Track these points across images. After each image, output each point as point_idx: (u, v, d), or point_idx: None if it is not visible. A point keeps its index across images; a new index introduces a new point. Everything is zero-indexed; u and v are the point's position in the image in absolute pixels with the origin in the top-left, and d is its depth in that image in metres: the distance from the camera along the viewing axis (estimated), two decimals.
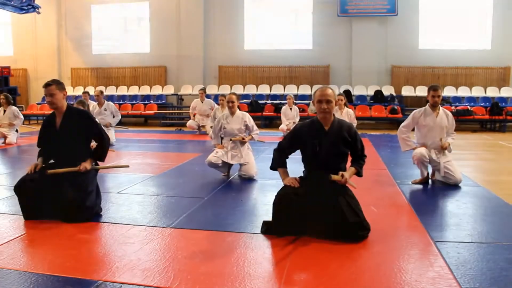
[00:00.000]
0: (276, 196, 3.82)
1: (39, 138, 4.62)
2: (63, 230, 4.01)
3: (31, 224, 4.18)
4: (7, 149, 9.71)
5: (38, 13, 17.08)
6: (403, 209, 4.73)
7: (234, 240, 3.65)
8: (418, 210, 4.58)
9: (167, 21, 17.87)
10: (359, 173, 4.01)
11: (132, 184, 5.91)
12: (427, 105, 5.93)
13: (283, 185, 3.91)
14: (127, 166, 5.33)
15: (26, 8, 16.44)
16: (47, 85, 4.37)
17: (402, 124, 6.15)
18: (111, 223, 4.18)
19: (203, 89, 12.88)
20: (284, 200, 3.75)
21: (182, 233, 3.86)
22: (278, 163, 4.09)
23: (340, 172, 3.77)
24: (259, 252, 3.39)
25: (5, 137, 10.41)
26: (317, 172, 3.89)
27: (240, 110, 6.59)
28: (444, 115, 5.89)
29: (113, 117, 10.57)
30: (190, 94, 17.04)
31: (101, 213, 4.47)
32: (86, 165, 4.40)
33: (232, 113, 6.38)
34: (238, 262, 3.19)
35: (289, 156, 4.13)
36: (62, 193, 4.21)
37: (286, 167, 4.08)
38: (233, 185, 5.95)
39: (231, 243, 3.60)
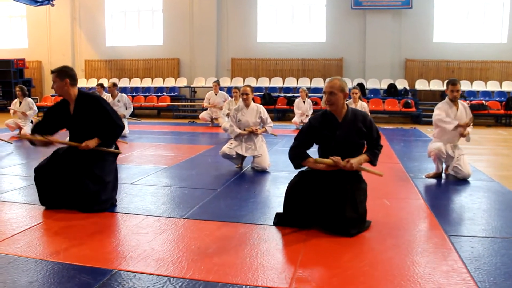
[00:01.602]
0: (288, 185, 3.83)
1: (45, 117, 4.56)
2: (79, 219, 4.06)
3: (47, 213, 4.24)
4: (23, 140, 9.80)
5: (52, 5, 17.25)
6: (416, 203, 4.71)
7: (247, 231, 3.67)
8: (432, 204, 4.56)
9: (180, 13, 17.88)
10: (372, 162, 3.91)
11: (145, 175, 5.95)
12: (446, 99, 5.84)
13: (296, 174, 3.90)
14: (120, 153, 5.15)
15: (40, 0, 16.58)
16: (51, 73, 4.39)
17: (436, 114, 5.82)
18: (125, 213, 4.22)
19: (217, 82, 12.91)
20: (294, 190, 3.74)
21: (195, 224, 3.89)
22: (302, 158, 3.92)
23: (347, 159, 3.70)
24: (272, 244, 3.40)
25: (20, 128, 10.54)
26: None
27: (254, 102, 6.58)
28: (463, 109, 5.80)
29: (126, 108, 10.61)
30: (203, 87, 17.07)
31: (116, 203, 4.51)
32: (89, 143, 4.31)
33: (247, 105, 6.39)
34: (251, 253, 3.21)
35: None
36: (80, 183, 4.24)
37: (310, 156, 3.95)
38: (246, 177, 5.97)
39: (244, 234, 3.61)
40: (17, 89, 10.58)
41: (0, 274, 2.91)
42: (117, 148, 4.60)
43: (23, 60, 18.64)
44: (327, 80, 3.86)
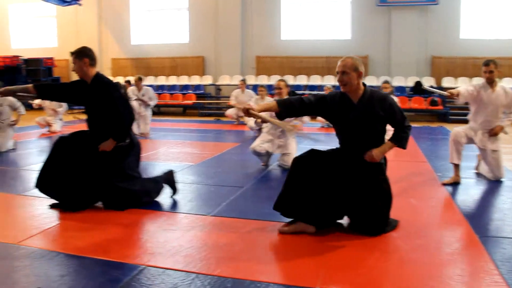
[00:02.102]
0: (292, 162, 3.69)
1: (59, 84, 4.61)
2: (108, 215, 4.13)
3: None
4: (52, 137, 9.99)
5: (80, 5, 17.56)
6: (444, 202, 4.66)
7: (274, 229, 3.66)
8: (461, 204, 4.50)
9: (205, 12, 17.96)
10: (400, 147, 3.68)
11: None
12: (483, 80, 5.47)
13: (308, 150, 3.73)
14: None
15: (69, 0, 16.88)
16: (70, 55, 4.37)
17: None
18: (153, 210, 4.27)
19: (244, 80, 12.93)
20: (301, 168, 3.59)
21: (222, 222, 3.91)
22: (287, 105, 3.64)
23: (369, 151, 3.57)
24: (298, 242, 3.40)
25: (50, 125, 10.75)
26: (349, 149, 3.71)
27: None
28: (503, 92, 5.38)
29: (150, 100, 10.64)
30: (228, 84, 17.12)
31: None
32: (106, 147, 4.28)
33: None
34: (279, 251, 3.23)
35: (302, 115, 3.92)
36: (108, 183, 4.28)
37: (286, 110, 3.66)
38: (272, 174, 5.98)
39: (271, 232, 3.62)
40: None
41: (34, 267, 2.99)
42: (132, 140, 4.48)
43: (51, 59, 18.99)
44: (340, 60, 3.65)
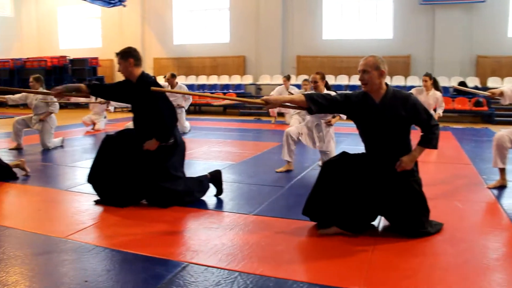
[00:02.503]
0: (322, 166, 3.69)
1: (108, 84, 4.73)
2: (152, 212, 4.21)
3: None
4: (96, 135, 10.25)
5: (124, 6, 17.95)
6: (490, 206, 4.54)
7: (316, 230, 3.65)
8: (507, 208, 4.36)
9: (246, 11, 18.05)
10: (432, 147, 3.57)
11: None
12: None
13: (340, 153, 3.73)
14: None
15: (113, 2, 17.34)
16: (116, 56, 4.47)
17: None
18: (195, 208, 4.33)
19: (287, 77, 12.47)
20: (330, 171, 3.58)
21: (264, 221, 3.93)
22: (314, 100, 3.59)
23: (399, 161, 3.49)
24: (341, 243, 3.38)
25: (94, 123, 11.03)
26: (373, 151, 3.66)
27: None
28: None
29: (185, 100, 10.76)
30: (268, 84, 17.15)
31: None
32: (150, 146, 4.36)
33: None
34: (321, 252, 3.22)
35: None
36: (146, 180, 4.37)
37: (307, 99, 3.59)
38: (313, 174, 5.93)
39: (313, 232, 3.62)
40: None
41: (81, 261, 3.08)
42: (176, 139, 4.52)
43: (96, 58, 19.49)
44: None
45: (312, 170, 6.19)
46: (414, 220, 3.47)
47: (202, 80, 18.66)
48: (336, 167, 3.59)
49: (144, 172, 4.37)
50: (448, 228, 3.70)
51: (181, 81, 17.97)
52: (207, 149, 8.15)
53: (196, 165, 6.58)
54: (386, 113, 3.50)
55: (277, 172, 5.98)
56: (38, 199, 4.70)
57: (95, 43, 20.86)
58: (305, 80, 9.68)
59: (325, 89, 5.98)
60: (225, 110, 17.94)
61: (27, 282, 2.79)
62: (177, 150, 4.53)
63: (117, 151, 4.41)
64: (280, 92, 12.23)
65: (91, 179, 4.47)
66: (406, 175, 3.52)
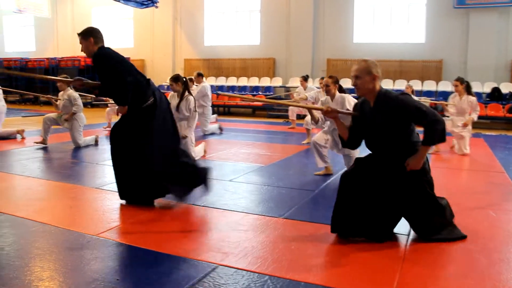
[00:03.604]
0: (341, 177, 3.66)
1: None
2: (181, 212, 4.28)
3: (155, 203, 4.48)
4: None
5: (156, 7, 18.17)
6: None
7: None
8: None
9: (277, 14, 18.04)
10: (436, 142, 3.45)
11: (243, 173, 6.08)
12: None
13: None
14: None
15: (146, 3, 17.58)
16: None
17: None
18: (225, 209, 4.35)
19: (304, 77, 12.10)
20: (349, 183, 3.56)
21: (294, 225, 3.93)
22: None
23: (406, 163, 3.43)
24: (372, 249, 3.36)
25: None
26: (377, 154, 3.64)
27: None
28: None
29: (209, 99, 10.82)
30: (298, 86, 17.05)
31: (216, 199, 4.65)
32: (120, 110, 4.45)
33: (331, 96, 5.92)
34: (351, 257, 3.20)
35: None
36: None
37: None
38: None
39: (343, 237, 3.59)
40: None
41: (113, 259, 3.16)
42: (156, 99, 4.46)
43: (128, 58, 19.68)
44: None
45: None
46: (423, 222, 3.48)
47: (232, 81, 18.72)
48: (353, 178, 3.58)
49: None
50: (480, 237, 3.64)
51: (211, 82, 18.10)
52: (236, 150, 8.18)
53: (225, 166, 6.61)
54: (379, 116, 3.48)
55: (315, 175, 5.95)
56: (69, 196, 4.80)
57: (127, 43, 21.16)
58: (321, 78, 9.60)
59: (337, 93, 5.91)
60: (254, 112, 17.97)
61: (61, 277, 2.85)
62: (159, 111, 4.44)
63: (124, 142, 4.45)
64: (299, 91, 11.97)
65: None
66: (417, 175, 3.47)
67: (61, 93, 8.36)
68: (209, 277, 2.85)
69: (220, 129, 10.90)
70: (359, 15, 17.28)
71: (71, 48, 21.88)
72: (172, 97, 6.91)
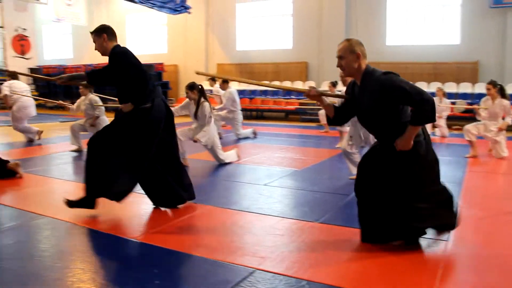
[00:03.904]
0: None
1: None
2: (218, 216, 4.32)
3: (190, 208, 4.57)
4: None
5: (189, 13, 18.39)
6: None
7: None
8: None
9: (309, 18, 18.02)
10: (424, 122, 3.22)
11: (277, 177, 6.10)
12: None
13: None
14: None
15: (179, 9, 17.83)
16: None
17: None
18: (260, 213, 4.38)
19: (333, 83, 11.62)
20: (362, 191, 3.53)
21: (330, 229, 3.93)
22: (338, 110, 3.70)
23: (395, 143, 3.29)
24: (410, 254, 3.33)
25: None
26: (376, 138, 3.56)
27: None
28: None
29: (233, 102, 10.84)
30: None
31: (250, 203, 4.68)
32: (125, 108, 4.42)
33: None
34: (389, 262, 3.18)
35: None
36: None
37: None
38: None
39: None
40: None
41: (152, 263, 3.20)
42: (153, 105, 4.37)
43: (162, 64, 20.06)
44: None
45: None
46: (406, 208, 3.34)
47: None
48: (361, 186, 3.55)
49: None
50: None
51: (243, 87, 18.20)
52: (270, 154, 8.20)
53: (260, 170, 6.64)
54: (366, 97, 3.37)
55: (350, 179, 5.91)
56: (107, 200, 4.84)
57: (160, 49, 21.50)
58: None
59: None
60: (287, 116, 17.97)
61: (102, 280, 2.94)
62: (153, 116, 4.35)
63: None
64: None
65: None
66: (408, 157, 3.29)
67: (82, 97, 8.51)
68: (247, 281, 2.88)
69: (254, 133, 10.94)
70: (392, 18, 17.10)
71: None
72: (189, 104, 6.98)
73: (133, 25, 22.32)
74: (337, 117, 3.69)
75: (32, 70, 21.87)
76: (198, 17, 19.76)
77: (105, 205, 4.66)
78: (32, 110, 9.75)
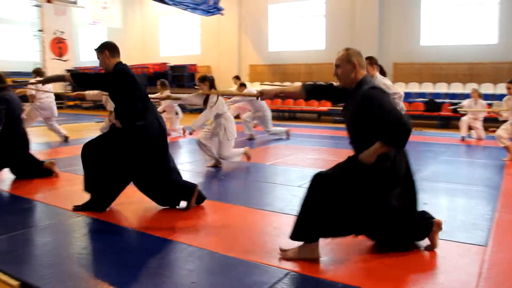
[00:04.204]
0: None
1: (91, 74, 4.86)
2: (247, 215, 4.39)
3: (224, 207, 4.67)
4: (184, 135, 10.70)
5: (222, 14, 18.54)
6: None
7: (423, 244, 3.56)
8: None
9: (342, 18, 17.92)
10: (391, 144, 3.09)
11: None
12: None
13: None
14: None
15: (212, 10, 18.01)
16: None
17: None
18: (294, 215, 4.35)
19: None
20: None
21: None
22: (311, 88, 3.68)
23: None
24: (450, 259, 3.30)
25: (184, 130, 11.26)
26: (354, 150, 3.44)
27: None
28: None
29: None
30: None
31: (284, 205, 4.70)
32: (117, 123, 4.68)
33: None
34: (430, 266, 3.17)
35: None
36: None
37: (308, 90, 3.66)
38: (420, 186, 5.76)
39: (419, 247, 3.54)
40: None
41: (188, 262, 3.26)
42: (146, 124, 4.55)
43: (195, 65, 20.28)
44: None
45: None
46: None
47: None
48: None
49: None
50: None
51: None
52: (303, 156, 8.19)
53: (293, 172, 6.65)
54: (352, 106, 3.33)
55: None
56: (137, 200, 4.91)
57: (193, 50, 21.73)
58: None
59: (378, 75, 5.67)
60: (319, 117, 17.90)
61: (142, 278, 2.99)
62: (144, 134, 4.50)
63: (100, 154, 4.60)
64: None
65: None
66: (364, 171, 3.21)
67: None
68: (282, 283, 2.89)
69: (287, 134, 10.91)
70: (426, 17, 16.84)
71: (140, 56, 22.75)
72: (202, 95, 6.93)
73: (167, 27, 22.63)
74: (310, 97, 3.72)
75: (69, 71, 22.35)
76: (231, 19, 19.89)
77: (140, 204, 4.76)
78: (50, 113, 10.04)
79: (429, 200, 5.06)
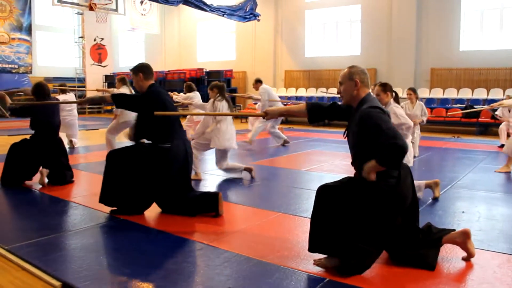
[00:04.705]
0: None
1: (130, 95, 5.21)
2: (283, 222, 4.43)
3: (257, 213, 4.71)
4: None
5: (258, 20, 18.67)
6: None
7: (462, 253, 3.52)
8: None
9: (378, 23, 17.77)
10: (383, 164, 3.05)
11: None
12: None
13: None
14: None
15: (248, 16, 18.17)
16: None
17: None
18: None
19: (412, 89, 10.18)
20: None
21: None
22: (314, 108, 3.62)
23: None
24: (487, 271, 3.25)
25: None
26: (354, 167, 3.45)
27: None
28: None
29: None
30: (400, 97, 16.63)
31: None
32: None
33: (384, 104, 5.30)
34: (468, 278, 3.12)
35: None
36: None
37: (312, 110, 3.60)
38: (451, 194, 5.69)
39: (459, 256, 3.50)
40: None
41: (224, 267, 3.30)
42: (172, 146, 4.70)
43: (231, 71, 20.45)
44: None
45: (451, 189, 5.94)
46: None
47: (332, 93, 18.63)
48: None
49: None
50: None
51: (311, 93, 18.21)
52: (338, 162, 8.17)
53: (328, 178, 6.57)
54: (352, 124, 3.32)
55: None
56: None
57: (229, 56, 21.95)
58: (409, 89, 9.27)
59: (391, 102, 5.40)
60: None
61: (180, 282, 3.05)
62: (169, 157, 4.63)
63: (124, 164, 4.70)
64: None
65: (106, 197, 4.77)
66: (364, 188, 3.20)
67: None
68: None
69: (286, 142, 10.72)
70: (465, 22, 16.53)
71: (177, 61, 23.11)
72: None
73: (204, 33, 22.91)
74: (313, 118, 3.65)
75: (108, 77, 22.93)
76: (267, 24, 20.00)
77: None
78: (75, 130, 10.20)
79: (467, 209, 5.00)
